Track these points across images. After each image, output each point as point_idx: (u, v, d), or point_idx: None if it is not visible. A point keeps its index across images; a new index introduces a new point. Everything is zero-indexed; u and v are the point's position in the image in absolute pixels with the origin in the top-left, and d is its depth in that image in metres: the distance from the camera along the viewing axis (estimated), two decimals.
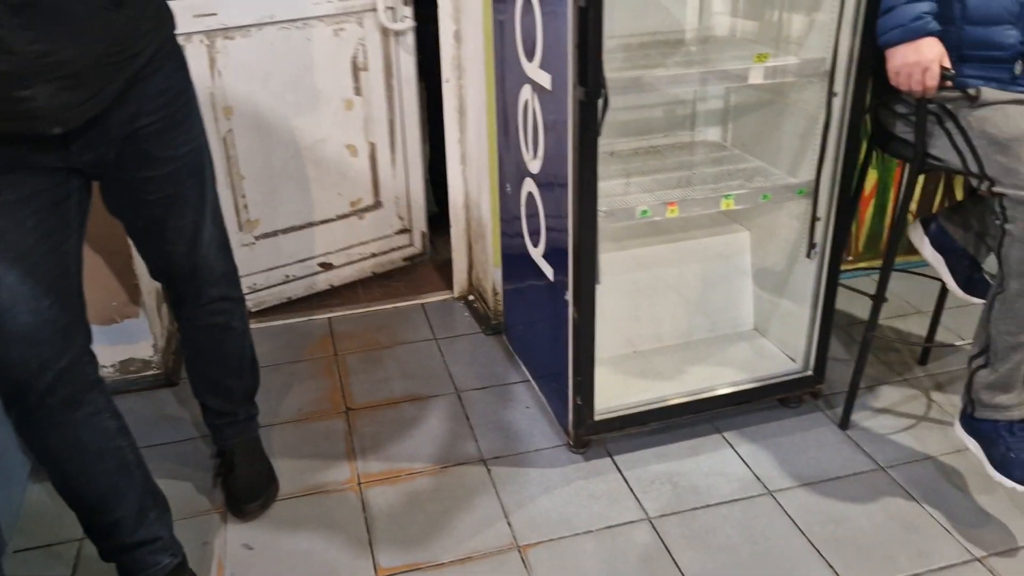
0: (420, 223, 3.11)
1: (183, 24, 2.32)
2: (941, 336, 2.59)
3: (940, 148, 1.91)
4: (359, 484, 2.09)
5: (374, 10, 2.68)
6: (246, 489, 2.01)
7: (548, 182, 2.05)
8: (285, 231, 2.82)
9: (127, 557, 1.66)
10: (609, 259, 2.28)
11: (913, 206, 2.98)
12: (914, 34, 1.78)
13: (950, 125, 1.87)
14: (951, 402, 2.36)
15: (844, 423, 2.26)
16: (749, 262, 2.47)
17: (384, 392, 2.45)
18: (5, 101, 1.32)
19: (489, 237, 2.65)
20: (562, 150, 1.88)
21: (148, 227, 1.67)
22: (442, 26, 2.54)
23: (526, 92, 2.08)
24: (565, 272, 2.00)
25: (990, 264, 1.93)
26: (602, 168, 1.89)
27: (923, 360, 2.55)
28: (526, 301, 2.41)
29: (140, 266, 2.29)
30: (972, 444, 1.92)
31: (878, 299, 2.15)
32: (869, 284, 2.19)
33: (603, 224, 1.94)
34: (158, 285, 2.38)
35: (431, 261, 3.20)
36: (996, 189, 1.77)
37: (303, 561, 1.87)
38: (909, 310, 2.82)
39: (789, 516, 1.98)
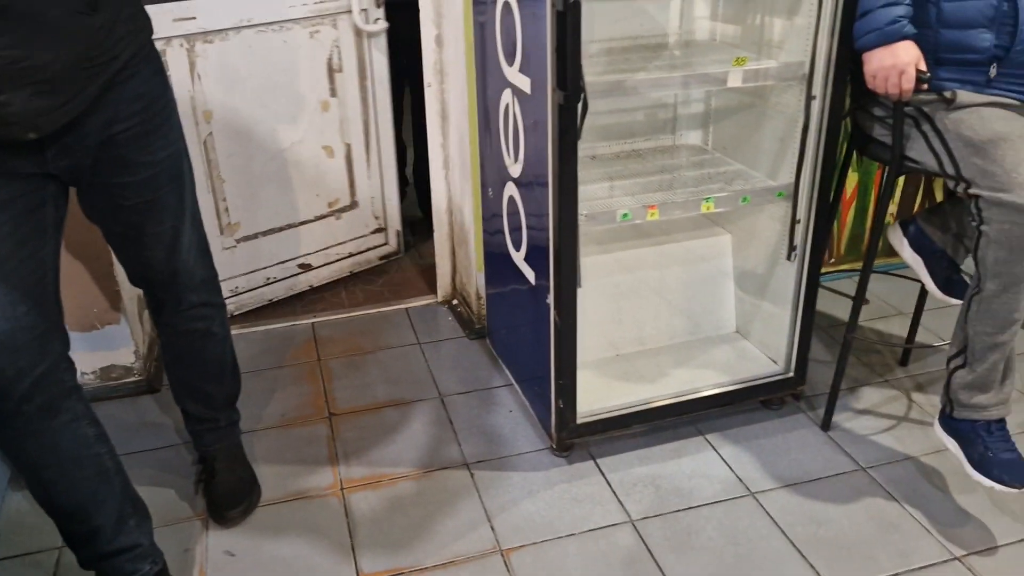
0: (395, 222, 3.14)
1: (163, 28, 2.34)
2: (922, 337, 2.61)
3: (917, 150, 1.92)
4: (342, 489, 2.09)
5: (348, 12, 2.70)
6: (228, 495, 2.00)
7: (529, 186, 2.05)
8: (265, 233, 2.83)
9: (107, 565, 1.65)
10: (592, 262, 2.28)
11: (894, 208, 3.01)
12: (890, 38, 1.80)
13: (927, 128, 1.88)
14: (931, 402, 2.37)
15: (826, 424, 2.27)
16: (731, 265, 2.48)
17: (367, 397, 2.45)
18: None
19: (472, 241, 2.66)
20: (542, 153, 1.89)
21: (126, 233, 1.67)
22: (424, 30, 2.54)
23: (507, 96, 2.08)
24: (546, 276, 2.00)
25: (968, 265, 1.94)
26: (583, 172, 1.90)
27: (904, 361, 2.57)
28: (509, 305, 2.41)
29: (121, 272, 2.28)
30: (951, 444, 1.94)
31: (858, 301, 2.16)
32: (851, 286, 2.21)
33: (584, 227, 1.94)
34: (139, 291, 2.37)
35: (415, 265, 3.21)
36: (972, 191, 1.78)
37: (285, 567, 1.86)
38: (890, 311, 2.84)
39: (771, 517, 1.98)
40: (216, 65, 2.51)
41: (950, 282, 2.18)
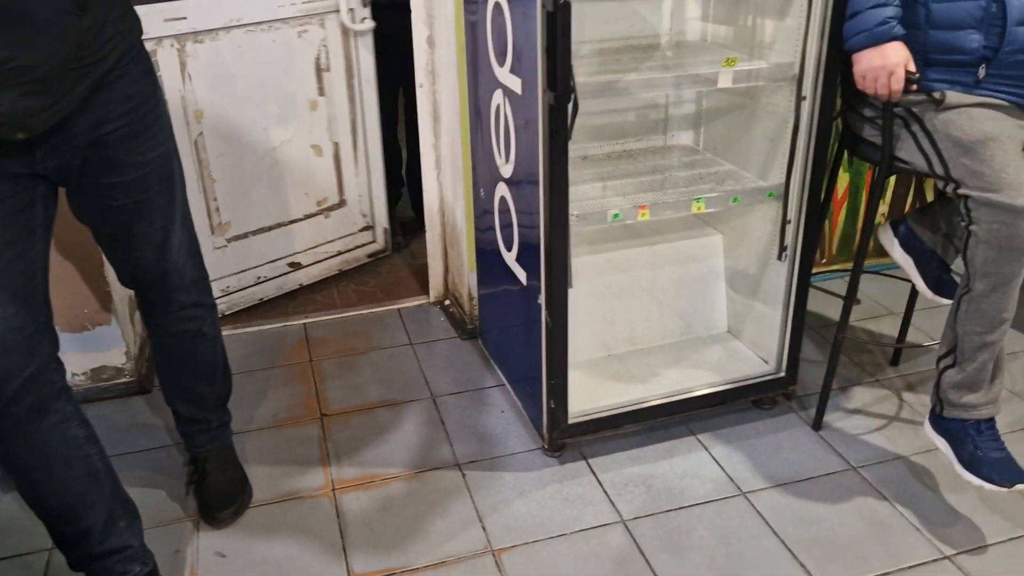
0: (382, 219, 3.17)
1: (154, 29, 2.34)
2: (912, 337, 2.61)
3: (907, 151, 1.93)
4: (333, 490, 2.09)
5: (336, 11, 2.73)
6: (219, 496, 2.00)
7: (520, 186, 2.05)
8: (255, 233, 2.84)
9: (97, 566, 1.64)
10: (584, 262, 2.29)
11: (885, 209, 3.02)
12: (879, 38, 1.80)
13: (916, 128, 1.89)
14: (922, 402, 2.38)
15: (817, 424, 2.28)
16: (722, 265, 2.49)
17: (359, 397, 2.44)
18: None
19: (464, 242, 2.66)
20: (533, 154, 1.89)
21: (115, 233, 1.66)
22: (415, 31, 2.54)
23: (498, 96, 2.09)
24: (538, 276, 2.01)
25: (959, 265, 1.95)
26: (575, 172, 1.90)
27: (895, 361, 2.57)
28: (501, 305, 2.41)
29: (112, 273, 2.27)
30: (941, 443, 1.95)
31: (849, 301, 2.17)
32: (842, 286, 2.21)
33: (576, 228, 1.95)
34: (131, 292, 2.37)
35: (407, 265, 3.21)
36: (961, 191, 1.79)
37: (276, 568, 1.86)
38: (881, 311, 2.85)
39: (762, 517, 1.99)
40: (207, 65, 2.51)
41: (940, 282, 2.18)
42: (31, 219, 1.48)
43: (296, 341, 2.74)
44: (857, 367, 2.55)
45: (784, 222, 2.15)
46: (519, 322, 2.23)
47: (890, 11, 1.80)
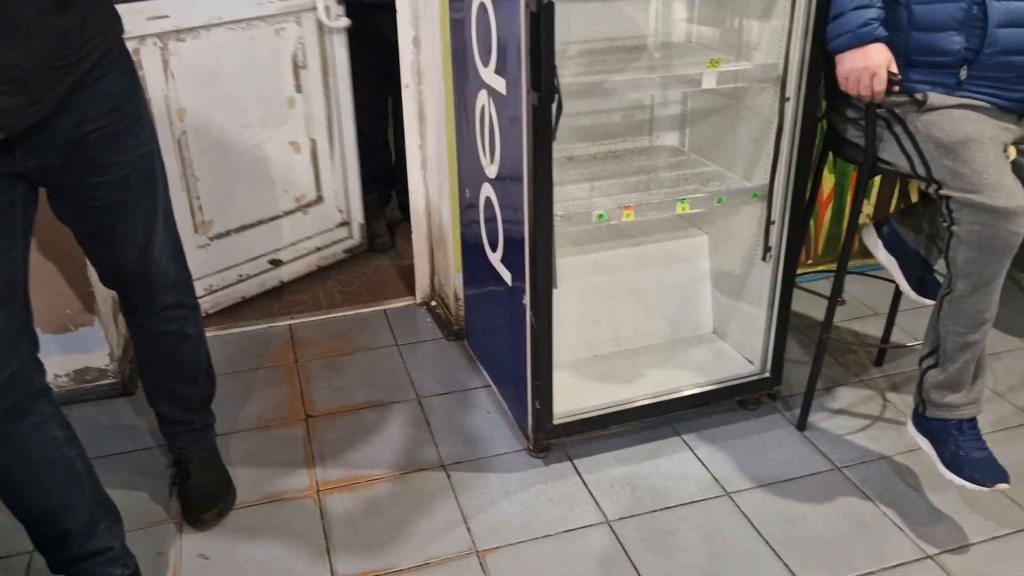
0: (358, 215, 3.19)
1: (138, 27, 2.33)
2: (897, 337, 2.63)
3: (889, 152, 1.94)
4: (318, 491, 2.08)
5: (312, 9, 2.76)
6: (202, 498, 1.99)
7: (505, 186, 2.05)
8: (237, 230, 2.85)
9: (77, 568, 1.64)
10: (569, 263, 2.29)
11: (870, 209, 3.03)
12: (862, 40, 1.81)
13: (898, 129, 1.90)
14: (906, 402, 2.39)
15: (801, 424, 2.29)
16: (708, 265, 2.49)
17: (345, 399, 2.44)
18: None
19: (450, 242, 2.65)
20: (517, 154, 1.89)
21: (97, 233, 1.65)
22: (401, 31, 2.54)
23: (483, 97, 2.08)
24: (522, 277, 2.01)
25: (942, 266, 1.96)
26: (560, 173, 1.90)
27: (879, 361, 2.59)
28: (486, 306, 2.41)
29: (95, 273, 2.26)
30: (924, 443, 1.96)
31: (833, 301, 2.18)
32: (828, 287, 2.22)
33: (561, 228, 1.95)
34: (114, 293, 2.36)
35: (394, 266, 3.21)
36: (943, 192, 1.80)
37: (259, 570, 1.85)
38: (866, 312, 2.86)
39: (747, 517, 1.99)
40: (189, 63, 2.52)
41: (923, 282, 2.19)
42: (11, 219, 1.46)
43: (282, 342, 2.73)
44: (842, 367, 2.56)
45: (768, 223, 2.16)
46: (504, 323, 2.23)
47: (873, 13, 1.81)
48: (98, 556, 1.64)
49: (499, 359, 2.37)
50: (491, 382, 2.47)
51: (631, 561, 1.87)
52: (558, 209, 1.93)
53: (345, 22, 2.83)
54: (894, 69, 1.82)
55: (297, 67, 2.80)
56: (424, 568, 1.85)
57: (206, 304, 2.79)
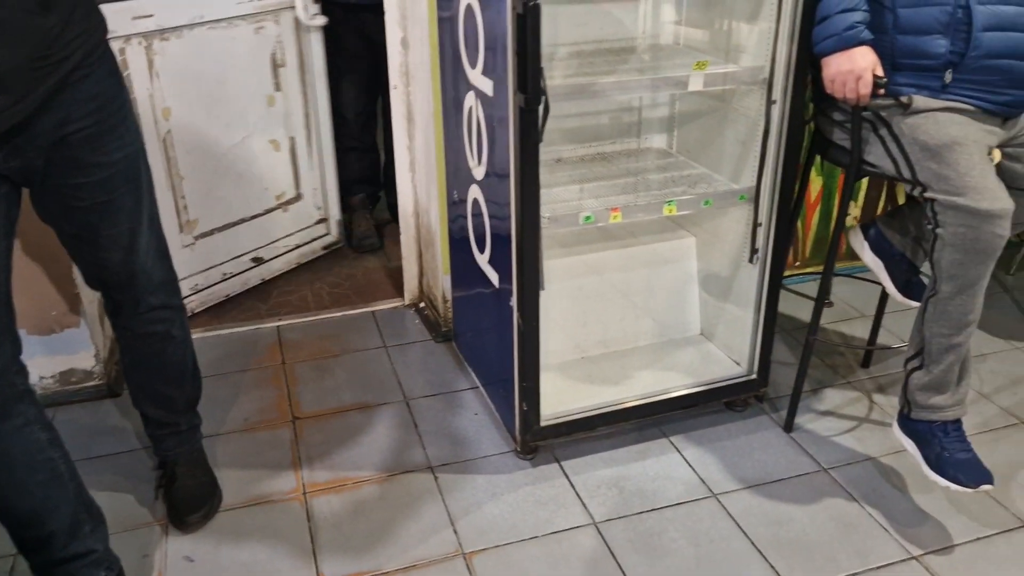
0: (335, 212, 3.23)
1: (123, 27, 2.32)
2: (883, 339, 2.64)
3: (875, 155, 1.94)
4: (304, 493, 2.07)
5: (290, 7, 2.79)
6: (188, 500, 1.98)
7: (492, 188, 2.05)
8: (221, 229, 2.86)
9: (61, 571, 1.62)
10: (557, 264, 2.29)
11: (857, 212, 3.04)
12: (847, 43, 1.82)
13: (884, 132, 1.90)
14: (892, 403, 2.40)
15: (788, 426, 2.29)
16: (695, 267, 2.50)
17: (332, 401, 2.43)
18: None
19: (438, 244, 2.65)
20: (504, 156, 1.89)
21: (81, 234, 1.64)
22: (389, 33, 2.54)
23: (470, 98, 2.08)
24: (509, 278, 2.00)
25: (928, 268, 1.97)
26: (548, 175, 1.90)
27: (866, 363, 2.59)
28: (474, 308, 2.41)
29: (80, 275, 2.25)
30: (909, 444, 1.96)
31: (819, 303, 2.18)
32: (815, 288, 2.22)
33: (548, 230, 1.95)
34: (99, 294, 2.35)
35: (382, 267, 3.20)
36: (928, 194, 1.81)
37: (245, 572, 1.85)
38: (853, 314, 2.87)
39: (733, 518, 2.00)
40: (173, 62, 2.52)
41: (910, 284, 2.20)
42: None
43: (269, 343, 2.72)
44: (828, 369, 2.57)
45: (755, 225, 2.16)
46: (492, 324, 2.22)
47: (858, 16, 1.81)
48: (82, 559, 1.63)
49: (487, 361, 2.37)
50: (479, 384, 2.47)
51: (618, 563, 1.87)
52: (545, 211, 1.93)
53: (322, 20, 2.87)
54: (879, 72, 1.83)
55: (276, 65, 2.83)
56: (411, 570, 1.85)
57: (192, 303, 2.79)
